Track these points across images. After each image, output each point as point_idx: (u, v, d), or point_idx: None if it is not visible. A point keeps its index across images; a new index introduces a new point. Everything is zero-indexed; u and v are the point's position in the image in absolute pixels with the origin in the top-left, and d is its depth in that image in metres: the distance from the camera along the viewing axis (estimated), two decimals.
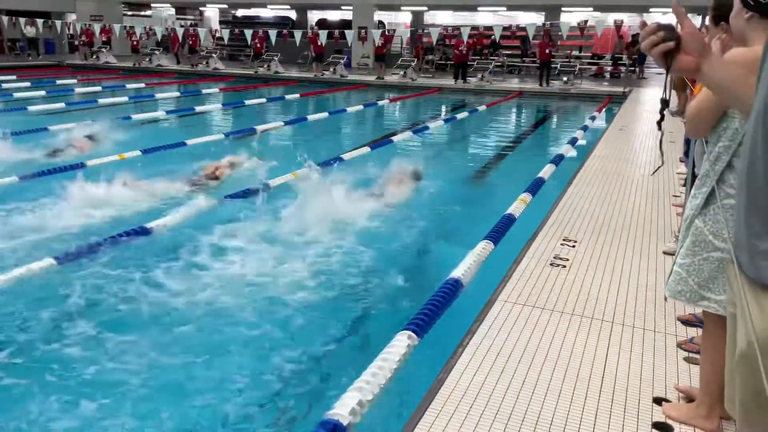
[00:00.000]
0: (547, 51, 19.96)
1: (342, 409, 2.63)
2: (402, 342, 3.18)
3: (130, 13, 33.00)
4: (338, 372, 3.54)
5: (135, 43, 26.15)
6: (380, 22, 28.11)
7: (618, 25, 20.69)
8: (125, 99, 15.82)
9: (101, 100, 15.13)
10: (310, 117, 13.43)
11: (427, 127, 12.15)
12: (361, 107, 15.63)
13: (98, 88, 18.17)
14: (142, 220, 5.68)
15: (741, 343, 1.28)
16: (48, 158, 8.53)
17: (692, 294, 2.39)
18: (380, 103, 17.05)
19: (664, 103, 1.85)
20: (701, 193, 2.33)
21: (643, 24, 1.58)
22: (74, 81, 19.57)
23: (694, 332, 3.36)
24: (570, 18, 22.90)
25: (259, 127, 11.51)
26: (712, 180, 2.28)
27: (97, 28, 26.17)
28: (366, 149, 9.60)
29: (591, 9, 24.27)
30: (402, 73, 21.79)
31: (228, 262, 5.04)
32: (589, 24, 20.46)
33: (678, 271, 2.43)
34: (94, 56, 26.08)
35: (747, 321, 1.20)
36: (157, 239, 5.43)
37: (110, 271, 4.78)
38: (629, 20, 23.90)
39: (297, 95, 17.81)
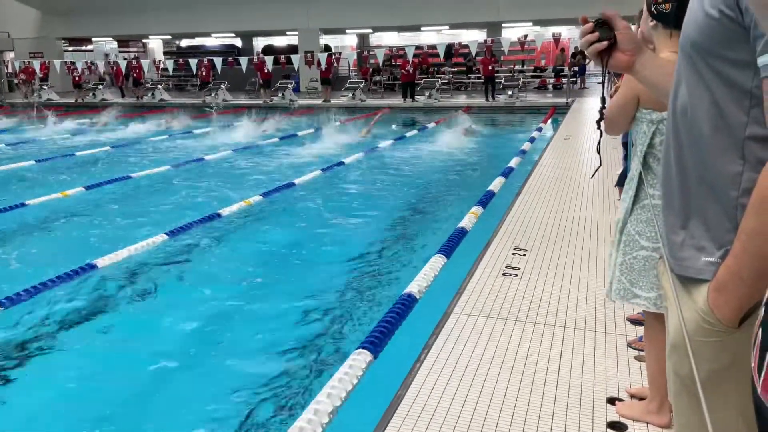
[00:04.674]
0: (490, 67, 20.38)
1: None
2: (357, 361, 3.16)
3: (71, 48, 32.37)
4: None
5: (77, 78, 25.60)
6: (326, 46, 28.28)
7: (556, 38, 21.27)
8: (68, 135, 15.45)
9: (44, 138, 14.76)
10: (261, 142, 13.36)
11: (377, 147, 12.24)
12: (311, 131, 15.61)
13: (41, 126, 17.72)
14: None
15: (671, 334, 1.32)
16: None
17: (625, 292, 2.48)
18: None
19: (603, 101, 1.90)
20: (628, 196, 2.45)
21: (584, 20, 1.61)
22: (16, 120, 19.04)
23: (643, 331, 3.44)
24: (511, 33, 23.46)
25: (208, 157, 11.40)
26: (635, 182, 2.40)
27: (36, 65, 25.57)
28: (318, 172, 9.59)
29: (530, 24, 24.93)
30: (351, 94, 21.91)
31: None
32: (528, 38, 20.98)
33: (614, 271, 2.52)
34: (35, 94, 25.46)
35: (677, 312, 1.24)
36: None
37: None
38: (568, 32, 24.63)
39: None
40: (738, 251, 1.10)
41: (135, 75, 25.11)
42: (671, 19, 2.18)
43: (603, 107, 1.91)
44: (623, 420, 2.65)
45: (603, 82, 1.87)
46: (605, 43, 1.56)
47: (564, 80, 22.89)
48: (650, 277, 2.40)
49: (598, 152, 1.98)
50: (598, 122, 1.96)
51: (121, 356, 4.19)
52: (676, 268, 1.27)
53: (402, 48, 23.44)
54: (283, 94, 22.57)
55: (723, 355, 1.17)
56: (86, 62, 26.02)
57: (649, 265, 2.41)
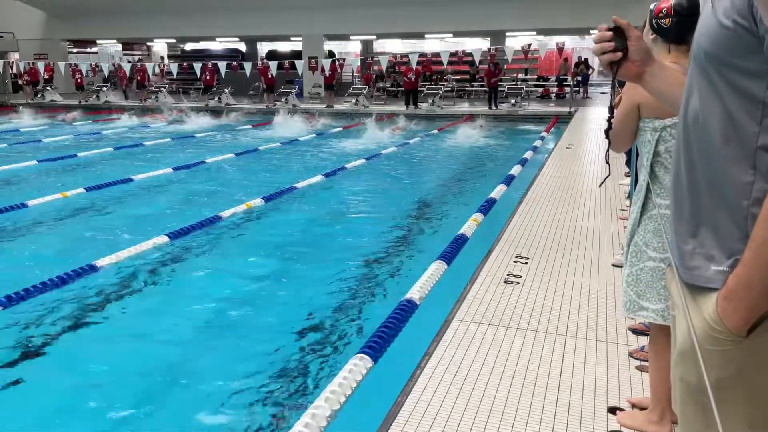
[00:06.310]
0: (492, 81, 20.42)
1: None
2: (357, 365, 3.14)
3: (75, 50, 32.48)
4: None
5: (79, 80, 25.65)
6: (330, 52, 28.35)
7: (560, 48, 21.32)
8: (71, 137, 15.48)
9: (46, 139, 14.80)
10: (262, 147, 13.37)
11: (379, 154, 12.26)
12: (314, 136, 15.64)
13: (44, 127, 17.80)
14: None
15: (679, 341, 1.31)
16: None
17: (632, 304, 2.45)
18: (334, 130, 17.12)
19: (611, 110, 1.89)
20: (636, 207, 2.44)
21: (603, 28, 1.60)
22: (19, 121, 19.10)
23: (644, 341, 3.42)
24: (514, 42, 23.51)
25: (209, 159, 11.41)
26: (642, 192, 2.39)
27: (41, 66, 25.63)
28: (320, 177, 9.59)
29: (534, 33, 24.99)
30: (354, 100, 21.96)
31: None
32: (532, 47, 21.03)
33: (623, 283, 2.50)
34: (39, 95, 25.52)
35: (687, 320, 1.23)
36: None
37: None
38: (571, 42, 24.69)
39: (248, 126, 17.73)
40: (748, 260, 1.10)
41: (139, 78, 25.17)
42: (670, 34, 2.28)
43: (611, 116, 1.91)
44: (624, 429, 2.63)
45: (612, 92, 1.88)
46: (619, 54, 1.56)
47: (567, 89, 22.94)
48: (658, 289, 2.37)
49: (607, 161, 1.97)
50: (606, 132, 1.96)
51: (117, 359, 4.16)
52: (685, 277, 1.26)
53: (405, 55, 23.49)
54: (286, 99, 22.62)
55: (730, 364, 1.16)
56: (91, 64, 26.07)
57: (656, 276, 2.38)
